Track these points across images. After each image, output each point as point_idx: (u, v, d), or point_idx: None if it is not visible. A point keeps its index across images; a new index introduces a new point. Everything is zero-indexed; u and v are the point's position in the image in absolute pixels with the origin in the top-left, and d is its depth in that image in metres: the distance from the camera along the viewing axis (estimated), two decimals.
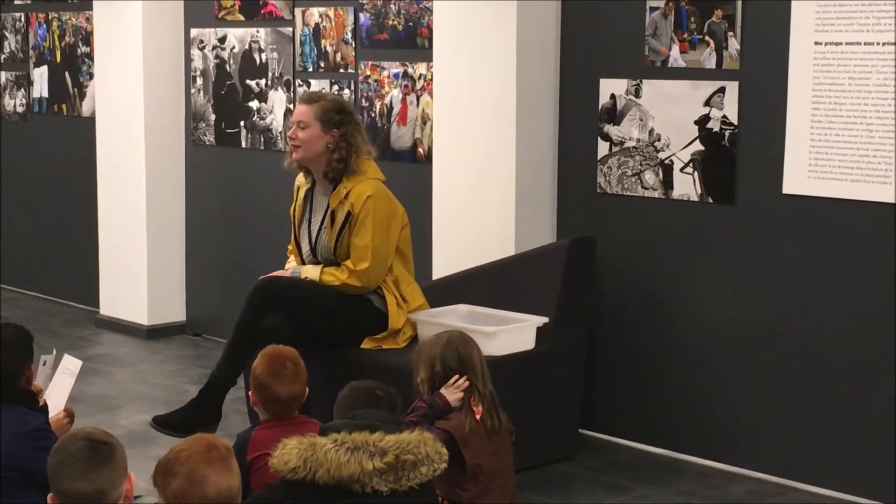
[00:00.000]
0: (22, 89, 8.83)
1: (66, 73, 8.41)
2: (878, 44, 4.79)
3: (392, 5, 6.41)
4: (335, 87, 6.67)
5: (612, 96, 5.59)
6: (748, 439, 5.27)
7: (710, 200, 5.33)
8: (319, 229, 5.29)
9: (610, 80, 5.59)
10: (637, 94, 5.50)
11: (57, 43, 8.48)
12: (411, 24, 6.34)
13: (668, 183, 5.44)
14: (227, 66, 7.33)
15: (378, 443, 3.10)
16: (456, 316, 5.38)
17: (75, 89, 8.35)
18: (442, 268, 5.90)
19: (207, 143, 7.50)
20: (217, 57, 7.39)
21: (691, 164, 5.36)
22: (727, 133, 5.23)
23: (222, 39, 7.35)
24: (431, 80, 6.10)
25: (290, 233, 5.49)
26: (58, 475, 2.81)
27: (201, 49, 7.47)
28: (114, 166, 7.73)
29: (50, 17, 8.52)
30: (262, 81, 7.13)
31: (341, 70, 6.69)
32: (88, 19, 8.08)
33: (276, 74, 7.05)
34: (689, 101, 5.33)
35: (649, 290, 5.55)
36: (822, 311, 5.02)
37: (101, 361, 7.06)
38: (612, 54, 5.60)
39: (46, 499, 2.86)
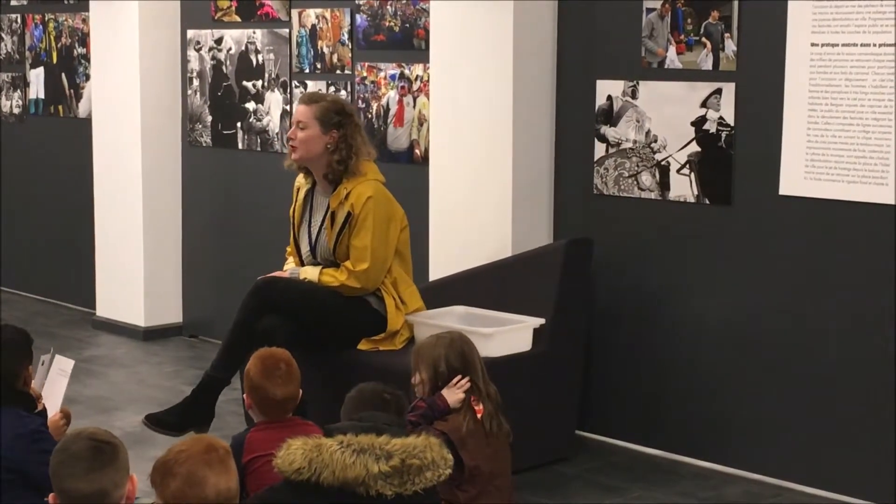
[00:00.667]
0: (18, 90, 8.82)
1: (63, 75, 8.41)
2: (874, 45, 4.79)
3: (388, 6, 6.41)
4: (332, 89, 6.67)
5: (609, 97, 5.59)
6: (745, 440, 5.27)
7: (707, 202, 5.33)
8: (319, 230, 5.29)
9: (606, 81, 5.60)
10: (634, 96, 5.51)
11: (53, 44, 8.47)
12: (408, 25, 6.34)
13: (664, 184, 5.44)
14: (224, 68, 7.33)
15: (384, 446, 3.09)
16: (453, 317, 5.39)
17: (72, 91, 8.34)
18: (439, 269, 5.90)
19: (204, 144, 7.50)
20: (213, 58, 7.38)
21: (688, 166, 5.37)
22: (724, 134, 5.24)
23: (219, 41, 7.35)
24: (428, 81, 6.10)
25: (287, 234, 5.49)
26: (60, 475, 2.81)
27: (198, 50, 7.47)
28: (110, 167, 7.73)
29: (46, 19, 8.51)
30: (259, 83, 7.13)
31: (338, 71, 6.69)
32: (85, 20, 8.08)
33: (273, 76, 7.05)
34: (686, 103, 5.34)
35: (646, 292, 5.55)
36: (818, 312, 5.02)
37: (97, 363, 7.06)
38: (608, 55, 5.60)
39: (44, 501, 2.86)
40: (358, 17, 6.58)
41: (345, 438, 3.11)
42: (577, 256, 5.41)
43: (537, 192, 5.78)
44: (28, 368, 3.87)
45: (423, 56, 6.20)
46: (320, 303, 5.16)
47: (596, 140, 5.65)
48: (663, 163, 5.44)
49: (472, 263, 5.68)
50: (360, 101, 6.55)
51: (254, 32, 7.14)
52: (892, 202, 4.76)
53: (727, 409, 5.31)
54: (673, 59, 5.38)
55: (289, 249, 5.50)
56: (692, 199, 5.37)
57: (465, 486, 4.09)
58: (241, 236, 7.33)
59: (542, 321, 5.25)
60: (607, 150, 5.62)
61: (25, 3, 8.74)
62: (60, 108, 8.47)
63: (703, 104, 5.29)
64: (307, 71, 6.86)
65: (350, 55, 6.63)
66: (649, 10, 5.43)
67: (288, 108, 6.91)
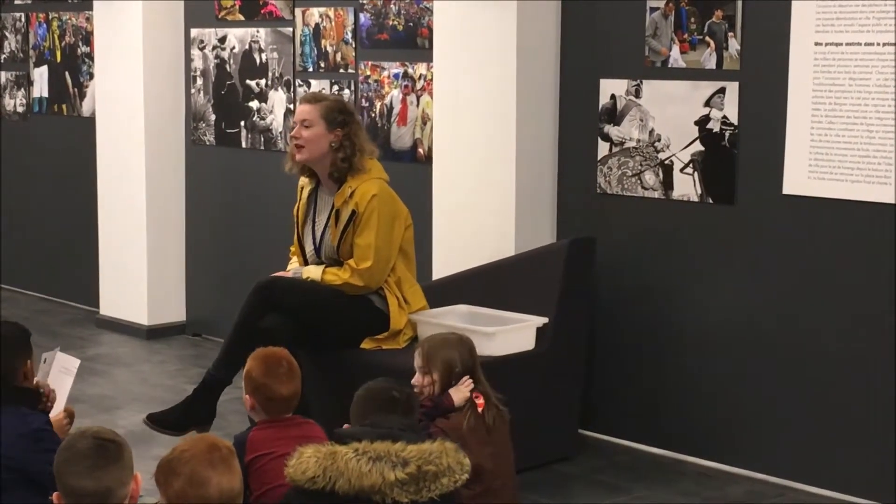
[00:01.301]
0: (22, 89, 8.82)
1: (67, 73, 8.41)
2: (878, 44, 4.79)
3: (392, 5, 6.41)
4: (335, 88, 6.67)
5: (613, 97, 5.59)
6: (748, 440, 5.27)
7: (710, 201, 5.33)
8: (324, 229, 5.29)
9: (610, 80, 5.60)
10: (637, 95, 5.51)
11: (57, 43, 8.47)
12: (411, 24, 6.34)
13: (668, 183, 5.44)
14: (228, 66, 7.33)
15: (400, 453, 3.07)
16: (455, 316, 5.39)
17: (75, 89, 8.35)
18: (442, 268, 5.90)
19: (207, 143, 7.50)
20: (217, 57, 7.39)
21: (691, 165, 5.36)
22: (727, 133, 5.24)
23: (222, 39, 7.35)
24: (431, 80, 6.10)
25: (291, 233, 5.48)
26: (65, 473, 2.81)
27: (201, 49, 7.47)
28: (114, 166, 7.73)
29: (50, 17, 8.52)
30: (263, 81, 7.13)
31: (341, 70, 6.69)
32: (88, 19, 8.08)
33: (277, 74, 7.05)
34: (690, 102, 5.33)
35: (649, 291, 5.55)
36: (821, 312, 5.02)
37: (100, 362, 7.06)
38: (612, 55, 5.60)
39: (48, 500, 2.86)
40: (361, 15, 6.58)
41: (360, 446, 3.08)
42: (580, 255, 5.41)
43: (540, 191, 5.78)
44: (27, 363, 3.82)
45: (426, 55, 6.20)
46: (323, 302, 5.16)
47: (599, 139, 5.65)
48: (667, 162, 5.43)
49: (475, 262, 5.68)
50: (363, 100, 6.55)
51: (257, 31, 7.14)
52: None
53: (730, 409, 5.31)
54: (676, 58, 5.38)
55: (292, 249, 5.49)
56: (695, 199, 5.37)
57: (469, 485, 4.08)
58: (244, 235, 7.34)
59: (545, 320, 5.25)
60: (611, 150, 5.62)
61: (30, 1, 8.75)
62: (64, 106, 8.47)
63: (707, 103, 5.28)
64: (311, 70, 6.86)
65: (353, 54, 6.63)
66: (653, 10, 5.43)
67: (291, 106, 6.91)
